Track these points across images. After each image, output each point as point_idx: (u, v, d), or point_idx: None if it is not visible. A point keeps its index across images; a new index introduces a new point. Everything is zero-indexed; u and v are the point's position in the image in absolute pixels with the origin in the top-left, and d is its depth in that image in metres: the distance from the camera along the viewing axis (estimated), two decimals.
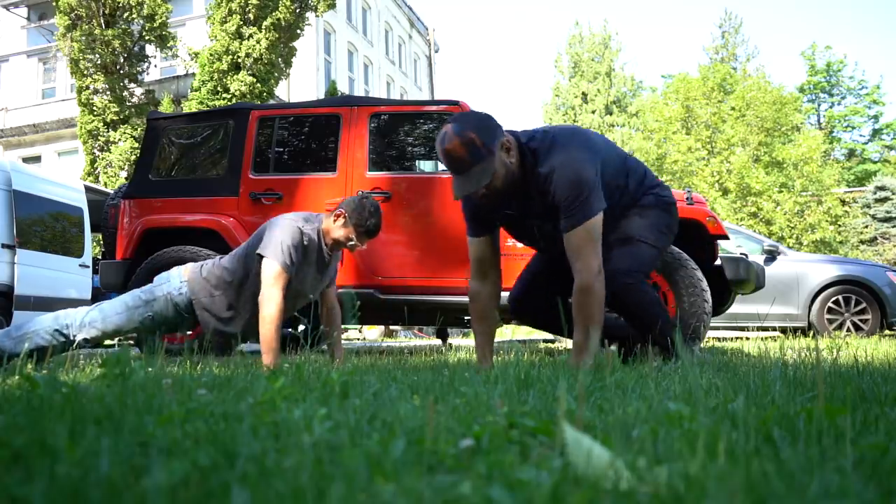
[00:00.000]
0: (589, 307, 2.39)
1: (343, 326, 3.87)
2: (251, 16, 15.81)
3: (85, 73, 16.35)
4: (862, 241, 20.87)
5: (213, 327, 3.27)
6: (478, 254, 2.66)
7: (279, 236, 2.99)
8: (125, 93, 16.77)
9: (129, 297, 3.30)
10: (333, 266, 3.36)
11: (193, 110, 13.62)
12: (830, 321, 7.32)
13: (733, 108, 21.23)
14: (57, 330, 3.18)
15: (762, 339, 6.61)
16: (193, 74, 16.96)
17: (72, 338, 3.20)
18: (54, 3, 16.38)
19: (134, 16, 16.36)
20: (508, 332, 11.40)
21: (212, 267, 3.28)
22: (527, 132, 2.57)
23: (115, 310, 3.26)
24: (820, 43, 41.93)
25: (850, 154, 30.79)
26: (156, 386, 1.55)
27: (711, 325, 6.67)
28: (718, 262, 4.23)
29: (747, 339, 7.01)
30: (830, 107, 31.03)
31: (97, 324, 3.22)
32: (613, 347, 2.57)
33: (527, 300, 2.97)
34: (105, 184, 15.62)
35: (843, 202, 21.58)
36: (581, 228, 2.42)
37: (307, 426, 1.04)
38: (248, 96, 15.52)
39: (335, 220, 3.13)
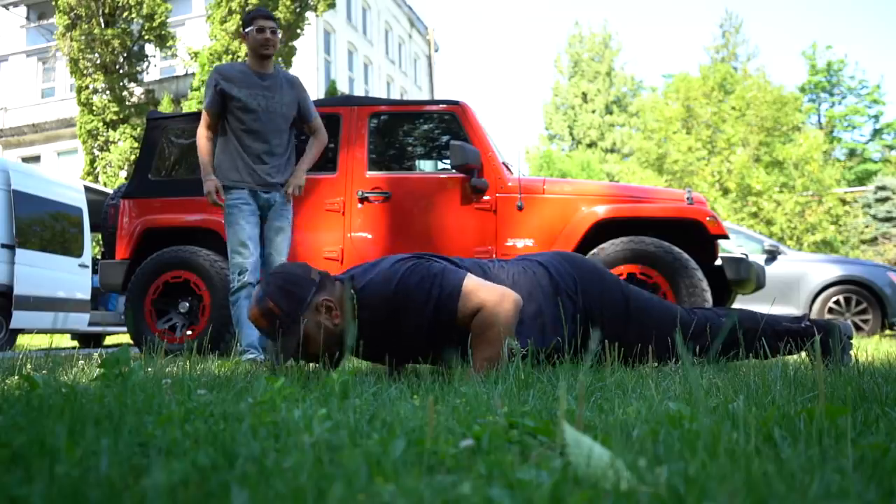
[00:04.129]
0: (493, 334, 2.13)
1: None
2: None
3: (84, 72, 16.36)
4: (863, 241, 20.87)
5: None
6: None
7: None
8: (125, 92, 16.78)
9: None
10: (284, 86, 3.61)
11: (193, 110, 13.61)
12: (830, 320, 7.32)
13: (734, 108, 21.25)
14: None
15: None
16: (193, 74, 16.97)
17: None
18: (54, 3, 16.38)
19: (133, 15, 16.36)
20: None
21: None
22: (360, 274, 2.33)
23: None
24: (821, 43, 41.99)
25: (851, 154, 30.78)
26: (155, 386, 1.55)
27: None
28: (719, 262, 4.23)
29: None
30: (831, 106, 31.02)
31: None
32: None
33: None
34: (105, 183, 15.62)
35: (844, 202, 21.59)
36: (461, 298, 2.16)
37: (307, 426, 1.04)
38: None
39: (245, 41, 3.64)
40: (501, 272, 2.42)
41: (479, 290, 2.16)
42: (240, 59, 15.74)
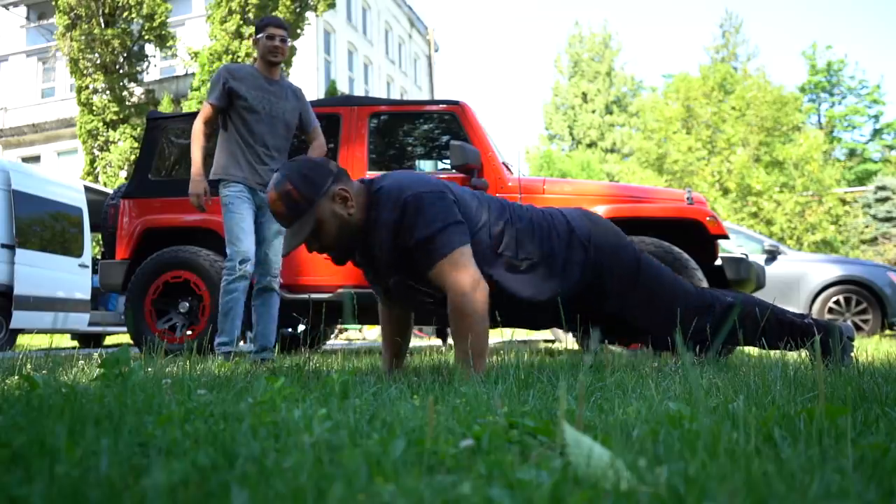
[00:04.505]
0: (465, 326, 2.13)
1: (343, 326, 3.93)
2: (251, 15, 15.81)
3: (84, 72, 16.35)
4: (863, 241, 20.87)
5: None
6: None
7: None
8: (125, 92, 16.77)
9: None
10: (289, 95, 3.67)
11: (193, 110, 13.61)
12: (831, 321, 7.32)
13: (734, 108, 21.25)
14: None
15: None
16: (193, 74, 16.96)
17: None
18: (54, 3, 16.38)
19: (133, 15, 16.36)
20: (508, 333, 11.40)
21: None
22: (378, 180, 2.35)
23: None
24: (821, 43, 42.00)
25: (851, 154, 30.78)
26: (155, 386, 1.55)
27: None
28: (719, 261, 4.23)
29: None
30: (831, 106, 31.02)
31: None
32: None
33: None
34: (105, 183, 15.62)
35: (844, 202, 21.59)
36: (444, 262, 2.15)
37: (307, 426, 1.04)
38: None
39: (253, 46, 3.70)
40: (522, 211, 2.45)
41: (459, 269, 2.16)
42: (239, 60, 15.78)
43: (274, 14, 15.73)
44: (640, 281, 2.51)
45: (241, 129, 3.51)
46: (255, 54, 3.73)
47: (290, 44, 3.75)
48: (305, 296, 4.45)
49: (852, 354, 2.60)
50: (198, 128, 3.52)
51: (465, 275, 2.15)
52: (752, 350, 3.74)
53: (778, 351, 2.72)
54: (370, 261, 2.36)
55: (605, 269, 2.46)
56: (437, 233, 2.16)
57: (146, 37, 16.69)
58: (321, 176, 2.22)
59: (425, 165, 5.19)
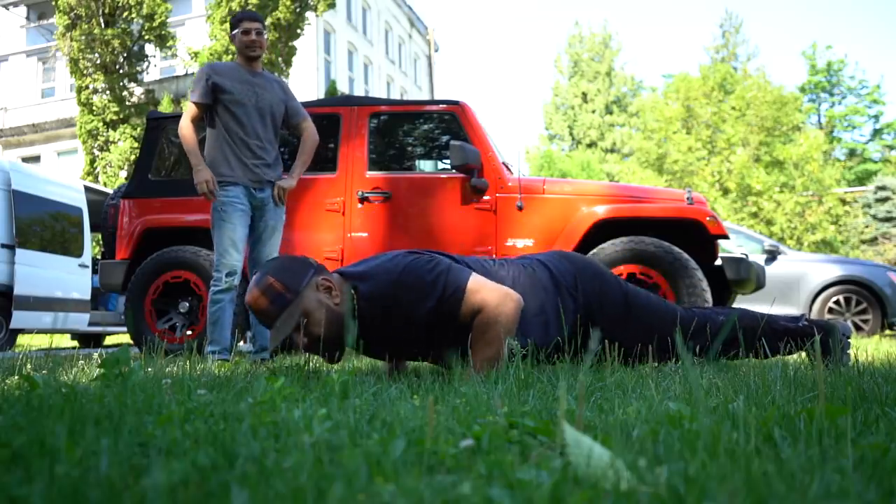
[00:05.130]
0: (493, 334, 2.12)
1: None
2: None
3: (84, 72, 16.35)
4: (863, 241, 20.87)
5: None
6: None
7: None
8: (125, 92, 16.77)
9: None
10: (274, 86, 3.66)
11: None
12: (829, 321, 7.32)
13: (734, 108, 21.25)
14: None
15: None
16: (193, 74, 16.93)
17: None
18: (54, 3, 16.37)
19: (133, 15, 16.35)
20: None
21: None
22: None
23: None
24: (821, 43, 41.98)
25: (851, 154, 30.78)
26: (155, 386, 1.55)
27: None
28: (719, 261, 4.23)
29: None
30: (831, 106, 31.02)
31: None
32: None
33: None
34: (105, 184, 15.62)
35: (844, 202, 21.59)
36: (466, 295, 2.14)
37: (307, 426, 1.04)
38: None
39: (228, 44, 3.72)
40: (502, 270, 2.42)
41: (483, 290, 2.16)
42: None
43: (272, 14, 15.73)
44: (630, 316, 2.49)
45: (231, 124, 3.48)
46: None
47: (266, 36, 3.70)
48: None
49: (850, 353, 2.60)
50: (185, 125, 3.48)
51: (488, 293, 2.15)
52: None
53: (779, 353, 2.72)
54: (394, 345, 2.32)
55: (596, 312, 2.45)
56: (442, 283, 2.15)
57: (146, 37, 16.69)
58: (302, 266, 2.20)
59: (425, 165, 5.19)
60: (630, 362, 2.43)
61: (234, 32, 3.60)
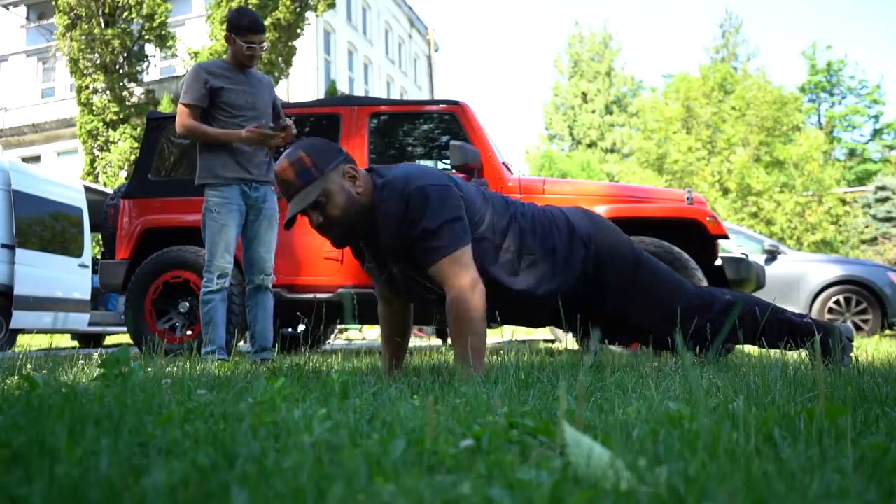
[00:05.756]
0: (465, 327, 2.13)
1: (344, 326, 3.93)
2: None
3: (84, 72, 16.34)
4: (863, 241, 20.85)
5: None
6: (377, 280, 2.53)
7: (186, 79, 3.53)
8: (125, 92, 16.76)
9: None
10: (264, 85, 3.63)
11: None
12: (831, 321, 7.32)
13: (734, 108, 21.25)
14: None
15: None
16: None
17: None
18: (54, 3, 16.36)
19: (133, 15, 16.34)
20: (508, 333, 11.40)
21: None
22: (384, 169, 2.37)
23: None
24: (821, 43, 41.98)
25: (851, 154, 30.77)
26: (155, 386, 1.55)
27: None
28: (719, 261, 4.23)
29: None
30: (831, 106, 31.02)
31: None
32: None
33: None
34: (105, 184, 15.61)
35: (844, 202, 21.58)
36: (445, 260, 2.16)
37: (307, 426, 1.04)
38: None
39: (227, 45, 3.56)
40: (524, 207, 2.47)
41: (459, 269, 2.17)
42: None
43: (272, 14, 15.71)
44: (638, 277, 2.52)
45: (229, 127, 3.45)
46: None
47: (266, 46, 3.66)
48: (306, 296, 4.45)
49: (852, 355, 2.60)
50: (183, 123, 3.42)
51: (464, 275, 2.16)
52: (752, 350, 3.74)
53: (778, 350, 2.72)
54: (375, 250, 2.36)
55: (605, 264, 2.48)
56: (440, 228, 2.16)
57: (146, 37, 16.68)
58: (333, 151, 2.27)
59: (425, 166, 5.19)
60: (635, 335, 2.51)
61: (236, 38, 3.46)
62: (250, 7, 15.60)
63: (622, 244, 2.56)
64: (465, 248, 2.19)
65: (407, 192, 2.19)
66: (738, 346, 3.49)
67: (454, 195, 2.23)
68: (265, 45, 3.57)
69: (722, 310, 2.54)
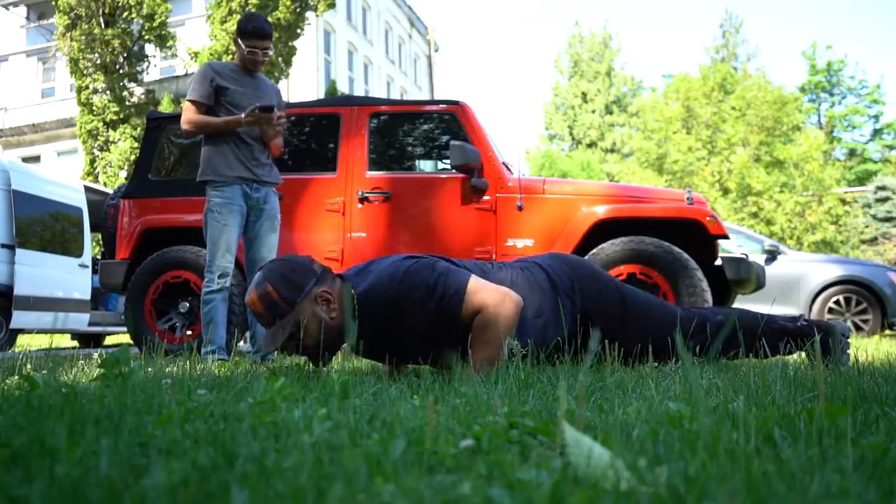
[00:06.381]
0: (492, 334, 2.12)
1: None
2: None
3: (84, 72, 16.35)
4: (863, 241, 20.86)
5: None
6: None
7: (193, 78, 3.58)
8: (125, 92, 16.76)
9: None
10: (270, 90, 3.68)
11: None
12: (830, 321, 7.32)
13: (734, 108, 21.26)
14: None
15: None
16: (193, 74, 16.94)
17: None
18: (54, 3, 16.37)
19: (133, 15, 16.35)
20: None
21: None
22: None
23: None
24: (821, 43, 41.99)
25: (851, 154, 30.78)
26: (155, 386, 1.55)
27: None
28: (719, 261, 4.23)
29: None
30: (831, 106, 31.02)
31: None
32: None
33: None
34: (105, 184, 15.61)
35: (844, 202, 21.59)
36: (466, 297, 2.14)
37: (307, 426, 1.04)
38: None
39: (228, 46, 3.61)
40: (501, 273, 2.43)
41: (482, 291, 2.16)
42: None
43: (272, 14, 15.71)
44: (627, 317, 2.49)
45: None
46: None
47: (272, 52, 3.67)
48: None
49: (849, 353, 2.60)
50: (189, 119, 3.45)
51: (486, 293, 2.16)
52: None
53: (778, 354, 2.72)
54: (396, 348, 2.32)
55: (594, 313, 2.45)
56: (443, 287, 2.15)
57: (146, 37, 16.68)
58: (303, 276, 2.18)
59: (425, 165, 5.19)
60: (630, 362, 2.43)
61: (242, 42, 3.51)
62: (250, 7, 15.61)
63: (606, 287, 2.52)
64: (472, 277, 2.20)
65: (396, 290, 2.16)
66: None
67: (425, 261, 2.24)
68: (270, 51, 3.58)
69: (715, 331, 2.52)
